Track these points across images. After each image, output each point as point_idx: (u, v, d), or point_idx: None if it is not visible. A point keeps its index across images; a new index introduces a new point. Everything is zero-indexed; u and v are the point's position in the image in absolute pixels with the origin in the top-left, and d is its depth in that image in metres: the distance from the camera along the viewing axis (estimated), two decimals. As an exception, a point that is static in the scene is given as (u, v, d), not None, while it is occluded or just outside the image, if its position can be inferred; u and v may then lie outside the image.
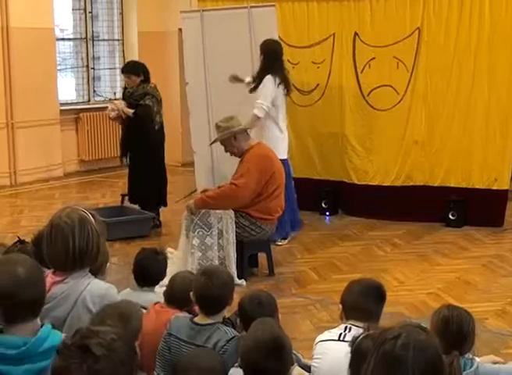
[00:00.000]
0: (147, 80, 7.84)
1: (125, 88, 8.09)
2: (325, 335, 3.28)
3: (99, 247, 3.09)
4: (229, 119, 6.19)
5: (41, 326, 2.48)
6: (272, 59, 7.28)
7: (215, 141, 6.52)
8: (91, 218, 3.09)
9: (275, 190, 6.14)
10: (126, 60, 12.19)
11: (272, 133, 7.27)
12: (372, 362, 1.90)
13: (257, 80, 7.31)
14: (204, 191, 6.36)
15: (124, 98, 7.90)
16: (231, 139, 6.14)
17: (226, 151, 6.28)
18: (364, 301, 3.27)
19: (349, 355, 2.94)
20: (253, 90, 7.34)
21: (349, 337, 3.15)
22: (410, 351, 1.85)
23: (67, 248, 2.99)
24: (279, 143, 7.26)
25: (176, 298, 3.83)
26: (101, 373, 1.91)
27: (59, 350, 1.98)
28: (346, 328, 3.22)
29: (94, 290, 3.02)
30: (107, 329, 2.05)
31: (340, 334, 3.21)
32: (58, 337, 2.44)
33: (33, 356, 2.36)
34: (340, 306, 3.36)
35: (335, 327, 3.34)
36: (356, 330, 3.17)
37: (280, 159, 6.63)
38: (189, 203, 6.09)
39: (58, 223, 3.04)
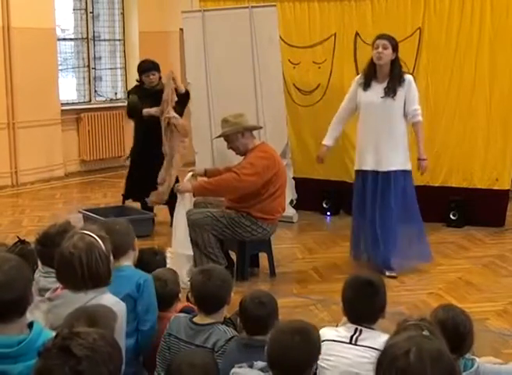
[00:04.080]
0: (160, 77, 7.98)
1: (138, 87, 8.05)
2: (333, 335, 3.18)
3: (110, 269, 3.15)
4: (238, 115, 6.12)
5: (29, 326, 2.48)
6: (397, 57, 6.30)
7: (222, 135, 6.19)
8: (100, 242, 3.14)
9: (277, 190, 6.13)
10: (128, 60, 12.27)
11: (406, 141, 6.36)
12: None
13: (396, 81, 6.16)
14: (192, 170, 6.36)
15: (142, 96, 7.82)
16: (238, 135, 6.05)
17: (229, 147, 6.17)
18: (362, 303, 3.22)
19: (365, 359, 2.89)
20: (389, 94, 6.14)
21: (361, 342, 3.09)
22: (427, 363, 1.82)
23: (76, 277, 3.06)
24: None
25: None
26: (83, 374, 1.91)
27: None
28: (356, 330, 3.15)
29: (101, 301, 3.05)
30: (88, 329, 2.05)
31: (352, 337, 3.13)
32: (50, 334, 2.45)
33: (29, 353, 2.36)
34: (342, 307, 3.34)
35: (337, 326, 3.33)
36: (368, 333, 3.12)
37: (407, 171, 6.26)
38: (185, 187, 5.99)
39: (64, 253, 3.10)
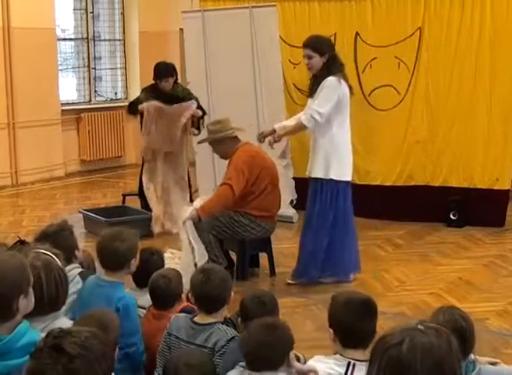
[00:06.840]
0: (176, 79, 7.98)
1: (153, 86, 7.97)
2: (326, 373, 2.90)
3: (67, 289, 2.94)
4: (216, 122, 6.22)
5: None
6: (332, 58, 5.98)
7: (202, 142, 6.59)
8: (56, 259, 2.96)
9: (267, 185, 6.08)
10: (128, 60, 12.27)
11: (343, 150, 5.96)
12: (375, 371, 1.89)
13: (316, 81, 5.92)
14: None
15: (155, 96, 7.76)
16: (214, 143, 6.19)
17: (214, 151, 6.35)
18: (362, 325, 2.99)
19: None
20: (310, 95, 6.01)
21: None
22: (418, 354, 1.85)
23: (36, 297, 2.75)
24: (349, 161, 6.06)
25: (158, 302, 3.87)
26: (77, 373, 1.89)
27: (32, 353, 1.95)
28: (348, 366, 2.90)
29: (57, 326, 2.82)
30: (80, 328, 2.03)
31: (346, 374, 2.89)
32: (36, 334, 2.43)
33: (11, 352, 2.34)
34: (331, 330, 3.03)
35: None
36: (361, 370, 2.82)
37: (346, 181, 5.94)
38: (192, 215, 5.78)
39: None
